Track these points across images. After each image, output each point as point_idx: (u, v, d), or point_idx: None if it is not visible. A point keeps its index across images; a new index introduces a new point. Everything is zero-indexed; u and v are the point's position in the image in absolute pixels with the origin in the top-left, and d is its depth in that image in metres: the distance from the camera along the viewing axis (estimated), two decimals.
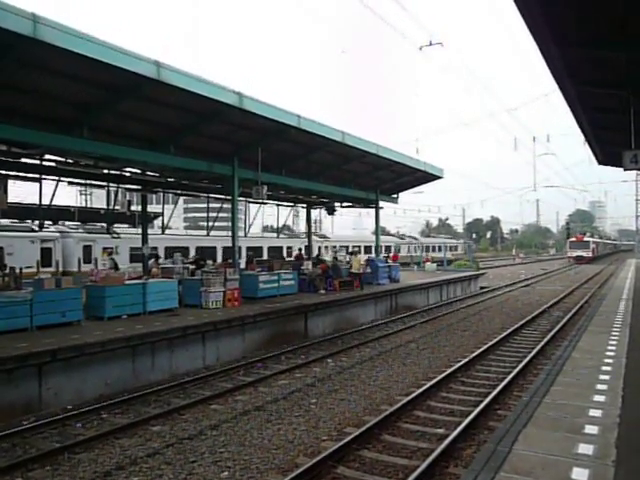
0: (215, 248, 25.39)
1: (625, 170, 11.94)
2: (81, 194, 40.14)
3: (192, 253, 23.47)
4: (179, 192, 19.80)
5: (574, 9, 7.09)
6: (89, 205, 35.86)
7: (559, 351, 8.96)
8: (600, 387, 6.36)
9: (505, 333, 14.66)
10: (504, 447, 4.56)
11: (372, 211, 24.97)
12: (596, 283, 32.04)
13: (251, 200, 19.56)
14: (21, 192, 17.53)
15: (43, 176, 14.41)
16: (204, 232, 27.65)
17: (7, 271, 11.47)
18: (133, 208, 17.79)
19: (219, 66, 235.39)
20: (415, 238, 55.33)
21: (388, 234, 53.98)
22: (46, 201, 15.22)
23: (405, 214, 53.83)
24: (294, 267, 19.15)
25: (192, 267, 16.45)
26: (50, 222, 19.20)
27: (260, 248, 28.63)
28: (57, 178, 14.79)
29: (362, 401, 8.96)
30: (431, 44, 14.20)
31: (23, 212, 17.82)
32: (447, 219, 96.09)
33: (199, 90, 11.03)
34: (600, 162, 20.51)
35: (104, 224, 20.79)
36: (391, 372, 10.96)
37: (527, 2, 6.56)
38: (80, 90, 10.62)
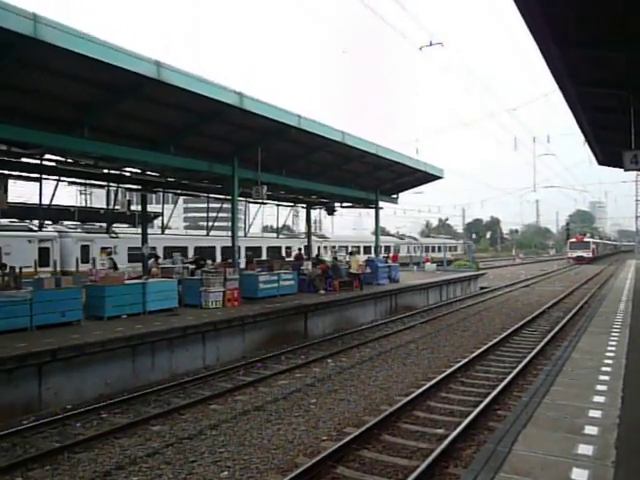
0: (214, 248, 25.38)
1: (625, 171, 11.95)
2: (81, 194, 40.13)
3: (191, 253, 23.47)
4: (179, 192, 19.80)
5: (574, 9, 7.09)
6: (89, 205, 35.85)
7: (559, 352, 8.96)
8: (600, 388, 6.36)
9: (505, 333, 14.66)
10: (504, 447, 4.56)
11: (372, 211, 24.97)
12: (596, 284, 32.04)
13: (251, 200, 19.54)
14: (22, 192, 17.51)
15: (43, 176, 14.41)
16: (203, 232, 27.65)
17: (7, 271, 11.47)
18: (133, 208, 17.80)
19: (219, 66, 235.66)
20: (415, 238, 55.33)
21: (388, 234, 53.97)
22: (46, 201, 15.23)
23: (405, 214, 53.89)
24: (294, 267, 19.15)
25: (192, 267, 16.45)
26: (50, 222, 19.20)
27: (259, 248, 28.61)
28: (57, 178, 14.79)
29: (362, 401, 8.96)
30: (431, 44, 14.21)
31: (23, 212, 17.80)
32: (447, 219, 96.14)
33: (199, 90, 11.03)
34: (600, 162, 20.52)
35: (102, 224, 20.80)
36: (391, 372, 10.97)
37: (527, 2, 6.57)
38: (81, 90, 10.63)
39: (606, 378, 6.80)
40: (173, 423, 7.93)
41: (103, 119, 11.86)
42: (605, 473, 4.03)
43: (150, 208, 19.30)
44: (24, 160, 13.16)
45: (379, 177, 22.20)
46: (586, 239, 66.02)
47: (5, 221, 18.49)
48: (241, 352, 12.72)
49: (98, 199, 31.32)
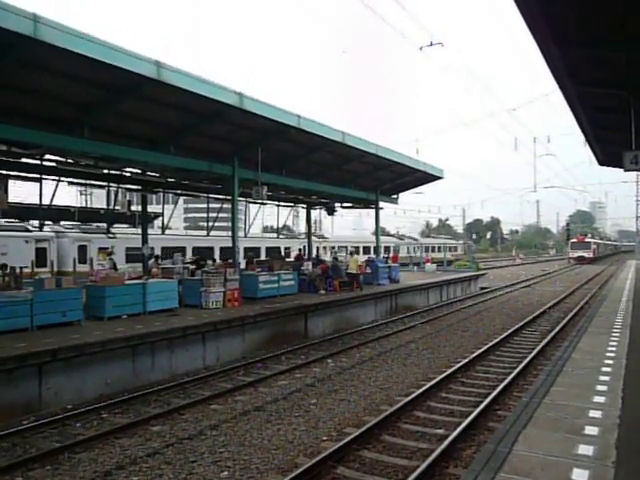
0: (213, 248, 25.33)
1: (625, 171, 11.95)
2: (81, 194, 40.12)
3: (189, 253, 23.39)
4: (179, 192, 19.81)
5: (574, 9, 7.09)
6: (89, 205, 35.83)
7: (559, 352, 8.96)
8: (600, 388, 6.35)
9: (505, 334, 14.66)
10: (504, 448, 4.56)
11: (372, 211, 24.97)
12: (596, 284, 32.03)
13: (251, 200, 19.56)
14: (22, 192, 17.50)
15: (43, 176, 14.41)
16: (201, 232, 27.60)
17: (7, 271, 11.47)
18: (133, 208, 17.79)
19: (219, 66, 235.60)
20: (414, 239, 55.30)
21: (388, 234, 53.96)
22: (46, 201, 15.23)
23: (405, 214, 53.82)
24: (294, 267, 19.15)
25: (192, 267, 16.45)
26: (50, 222, 19.18)
27: (258, 248, 28.55)
28: (57, 178, 14.79)
29: (362, 401, 8.96)
30: (431, 44, 14.21)
31: (23, 212, 17.78)
32: (447, 219, 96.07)
33: (199, 90, 11.03)
34: (600, 163, 20.52)
35: (100, 224, 20.77)
36: (391, 372, 10.96)
37: (527, 2, 6.57)
38: (81, 90, 10.63)
39: (606, 378, 6.79)
40: (173, 423, 7.93)
41: (103, 119, 11.87)
42: (605, 473, 4.03)
43: (150, 208, 19.30)
44: (24, 160, 13.17)
45: (379, 177, 22.20)
46: (587, 239, 66.19)
47: (2, 221, 18.41)
48: (241, 352, 12.71)
49: (98, 199, 31.32)
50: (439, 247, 52.70)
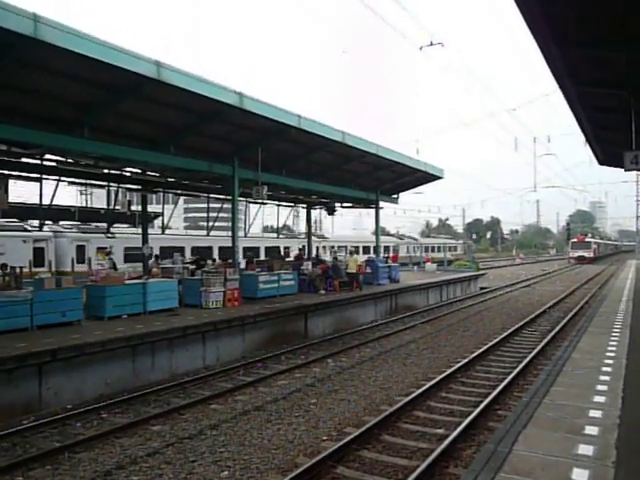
0: (211, 248, 25.29)
1: (626, 171, 11.95)
2: (81, 194, 40.09)
3: (188, 253, 23.33)
4: (179, 192, 19.81)
5: (574, 9, 7.08)
6: (89, 205, 35.81)
7: (559, 352, 8.96)
8: (600, 388, 6.35)
9: (505, 333, 14.66)
10: (504, 448, 4.55)
11: (372, 211, 24.96)
12: (596, 284, 32.03)
13: (251, 200, 19.56)
14: (25, 192, 17.46)
15: (43, 176, 14.42)
16: (200, 232, 27.53)
17: (8, 271, 11.47)
18: (133, 208, 17.79)
19: (219, 66, 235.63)
20: (414, 238, 55.28)
21: (389, 234, 53.95)
22: (46, 201, 15.23)
23: (405, 214, 53.82)
24: (294, 267, 19.15)
25: (192, 267, 16.45)
26: (50, 222, 19.16)
27: (257, 248, 28.51)
28: (57, 178, 14.80)
29: (362, 401, 8.96)
30: (431, 44, 14.23)
31: (24, 212, 17.77)
32: (447, 219, 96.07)
33: (199, 90, 11.03)
34: (601, 163, 20.51)
35: (98, 223, 20.73)
36: (391, 372, 10.96)
37: (527, 2, 6.56)
38: (81, 90, 10.63)
39: (606, 378, 6.79)
40: (173, 423, 7.93)
41: (103, 119, 11.86)
42: (605, 473, 4.03)
43: (150, 208, 19.29)
44: (24, 160, 13.17)
45: (379, 177, 22.20)
46: (587, 239, 66.41)
47: (1, 221, 18.34)
48: (241, 352, 12.72)
49: (98, 199, 31.30)
50: (439, 247, 52.67)
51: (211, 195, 19.51)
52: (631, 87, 9.56)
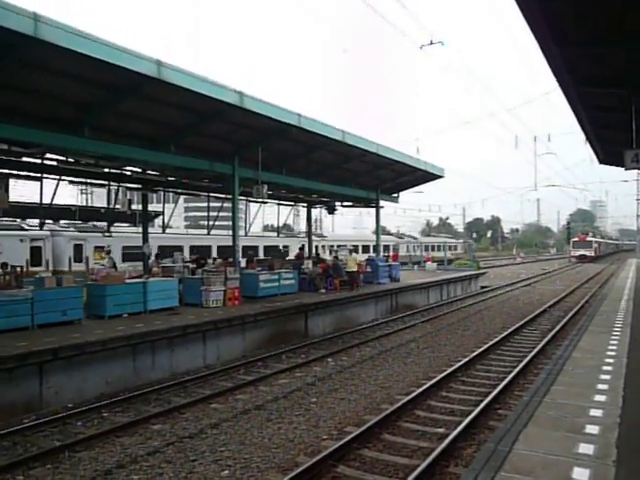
0: (210, 247, 25.23)
1: (626, 169, 11.96)
2: (82, 193, 40.07)
3: (187, 252, 23.25)
4: (180, 191, 19.80)
5: (572, 6, 7.07)
6: (90, 204, 35.77)
7: (560, 351, 8.96)
8: (601, 387, 6.36)
9: (506, 332, 14.66)
10: (504, 447, 4.56)
11: (372, 210, 24.94)
12: (597, 283, 32.03)
13: (252, 199, 19.56)
14: (27, 192, 17.41)
15: (44, 175, 14.42)
16: (198, 231, 27.42)
17: (8, 270, 11.48)
18: (134, 207, 17.78)
19: (220, 65, 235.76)
20: (414, 237, 55.25)
21: (389, 233, 53.92)
22: (47, 200, 15.22)
23: (405, 213, 53.86)
24: (294, 266, 19.15)
25: (192, 266, 16.45)
26: (51, 221, 19.14)
27: (256, 247, 28.44)
28: (58, 177, 14.80)
29: (362, 400, 8.96)
30: (432, 43, 14.22)
31: (24, 211, 17.75)
32: (447, 218, 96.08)
33: (200, 89, 11.02)
34: (601, 161, 20.48)
35: (96, 222, 20.67)
36: (391, 371, 10.96)
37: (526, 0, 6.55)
38: (81, 90, 10.63)
39: (607, 377, 6.80)
40: (174, 422, 7.94)
41: (104, 118, 11.86)
42: (606, 472, 4.03)
43: (151, 207, 19.27)
44: (25, 159, 13.17)
45: (379, 176, 22.19)
46: (589, 238, 66.78)
47: None
48: (241, 351, 12.72)
49: (99, 198, 31.27)
50: (439, 246, 52.64)
51: (211, 194, 19.49)
52: (630, 85, 9.55)
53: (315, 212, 29.97)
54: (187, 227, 48.86)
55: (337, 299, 16.87)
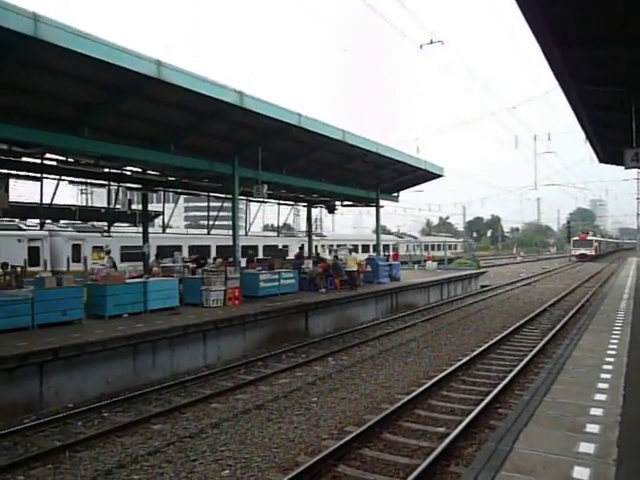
0: (209, 247, 25.18)
1: (626, 168, 11.94)
2: (82, 193, 40.07)
3: (185, 252, 23.20)
4: (180, 191, 19.80)
5: (574, 8, 7.07)
6: (90, 204, 35.77)
7: (560, 350, 8.95)
8: (601, 386, 6.35)
9: (506, 332, 14.66)
10: (505, 446, 4.55)
11: (372, 209, 24.93)
12: (597, 281, 32.01)
13: (252, 199, 19.55)
14: (24, 191, 17.36)
15: (44, 175, 14.41)
16: (197, 231, 27.33)
17: (8, 270, 11.48)
18: (134, 207, 17.77)
19: (220, 65, 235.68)
20: (414, 237, 55.22)
21: (389, 233, 53.89)
22: (47, 200, 15.22)
23: (405, 213, 53.79)
24: (295, 266, 19.15)
25: (193, 266, 16.45)
26: (51, 221, 19.12)
27: (255, 247, 28.37)
28: (58, 177, 14.79)
29: (363, 400, 8.96)
30: (432, 42, 14.20)
31: (24, 211, 17.73)
32: (448, 218, 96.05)
33: (200, 89, 11.01)
34: (601, 160, 20.47)
35: (95, 222, 20.62)
36: (392, 371, 10.96)
37: (527, 1, 6.55)
38: (81, 90, 10.62)
39: (607, 376, 6.79)
40: (174, 422, 7.94)
41: (103, 118, 11.85)
42: (607, 471, 4.02)
43: (151, 207, 19.24)
44: (25, 159, 13.16)
45: (380, 176, 22.18)
46: (589, 237, 66.97)
47: None
48: (242, 351, 12.72)
49: (99, 198, 31.27)
50: (439, 245, 52.63)
51: (211, 194, 19.49)
52: (631, 86, 9.55)
53: (315, 212, 29.98)
54: (187, 227, 48.88)
55: (337, 298, 16.87)
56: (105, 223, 19.51)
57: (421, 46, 14.43)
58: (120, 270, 16.16)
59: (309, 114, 14.27)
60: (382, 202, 24.84)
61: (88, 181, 17.30)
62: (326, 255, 27.78)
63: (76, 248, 20.94)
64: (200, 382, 10.25)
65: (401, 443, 6.88)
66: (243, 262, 18.08)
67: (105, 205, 18.02)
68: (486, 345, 12.81)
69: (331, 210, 25.74)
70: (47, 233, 20.15)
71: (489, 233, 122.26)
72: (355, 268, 19.44)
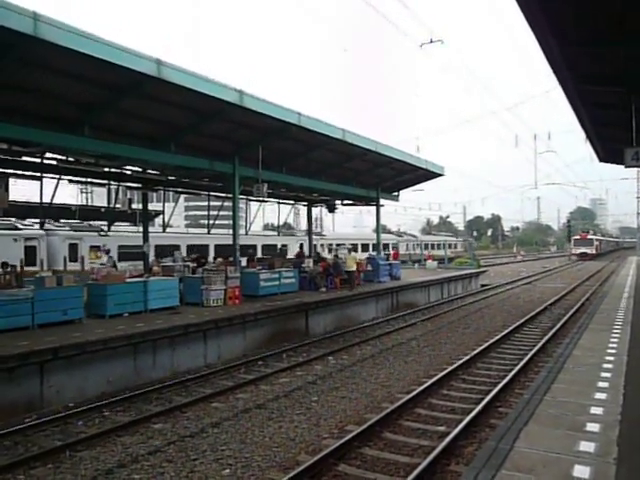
0: (208, 246, 25.13)
1: (626, 167, 11.94)
2: (82, 192, 40.09)
3: (184, 251, 23.14)
4: (180, 190, 19.79)
5: (572, 5, 7.07)
6: (90, 203, 35.77)
7: (560, 349, 8.95)
8: (601, 385, 6.36)
9: (506, 331, 14.66)
10: (505, 445, 4.56)
11: (373, 209, 24.93)
12: (597, 280, 32.00)
13: (252, 198, 19.55)
14: (24, 191, 17.35)
15: (44, 174, 14.41)
16: (197, 230, 27.29)
17: (9, 269, 11.48)
18: (134, 206, 17.77)
19: (220, 65, 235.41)
20: (414, 236, 55.21)
21: (389, 232, 53.88)
22: (47, 199, 15.22)
23: (406, 212, 53.80)
24: (295, 265, 19.15)
25: (193, 265, 16.45)
26: (51, 220, 19.11)
27: (254, 246, 28.31)
28: (58, 176, 14.79)
29: (363, 399, 8.97)
30: (432, 41, 14.19)
31: (24, 211, 17.71)
32: (448, 217, 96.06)
33: (200, 88, 11.01)
34: (601, 159, 20.48)
35: (93, 222, 20.57)
36: (392, 370, 10.97)
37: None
38: (81, 89, 10.61)
39: (608, 375, 6.80)
40: (175, 421, 7.95)
41: (104, 118, 11.85)
42: (607, 470, 4.03)
43: (151, 206, 19.23)
44: (25, 159, 13.15)
45: (380, 175, 22.17)
46: (589, 236, 67.06)
47: None
48: (242, 350, 12.72)
49: (99, 197, 31.27)
50: (439, 244, 52.63)
51: (212, 193, 19.50)
52: (630, 84, 9.54)
53: (315, 211, 29.94)
54: (188, 226, 48.88)
55: (338, 298, 16.87)
56: (103, 222, 19.45)
57: (421, 45, 14.44)
58: (120, 269, 16.16)
59: (309, 113, 14.28)
60: (382, 201, 24.83)
61: (88, 180, 17.30)
62: (326, 254, 27.78)
63: (73, 247, 20.79)
64: (200, 381, 10.26)
65: (402, 442, 6.88)
66: (243, 261, 18.09)
67: (105, 204, 18.00)
68: (486, 344, 12.81)
69: (331, 209, 25.73)
70: (44, 232, 19.97)
71: (489, 232, 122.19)
72: (354, 268, 19.40)
